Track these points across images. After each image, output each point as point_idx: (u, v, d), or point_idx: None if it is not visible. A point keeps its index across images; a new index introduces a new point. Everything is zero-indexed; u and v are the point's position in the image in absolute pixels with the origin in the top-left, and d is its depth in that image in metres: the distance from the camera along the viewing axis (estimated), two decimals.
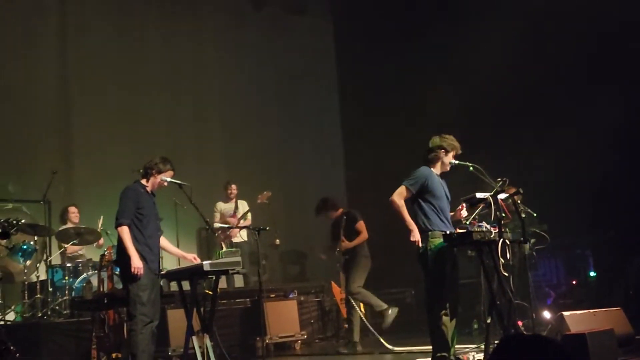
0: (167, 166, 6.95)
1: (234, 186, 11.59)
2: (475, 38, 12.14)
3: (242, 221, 11.03)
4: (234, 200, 11.60)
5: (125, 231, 6.65)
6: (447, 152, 6.93)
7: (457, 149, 6.97)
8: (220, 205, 11.62)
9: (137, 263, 6.57)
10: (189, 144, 13.32)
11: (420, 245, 6.65)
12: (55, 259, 9.93)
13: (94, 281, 8.78)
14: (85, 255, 10.04)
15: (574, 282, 11.68)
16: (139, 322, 6.51)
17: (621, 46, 11.01)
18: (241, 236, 11.23)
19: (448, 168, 7.00)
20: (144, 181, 6.95)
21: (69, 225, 9.95)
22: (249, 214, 11.32)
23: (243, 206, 11.56)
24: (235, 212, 11.45)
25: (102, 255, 8.26)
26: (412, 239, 6.65)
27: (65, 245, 9.72)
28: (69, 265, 9.53)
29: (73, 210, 10.31)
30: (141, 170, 6.98)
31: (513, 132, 11.85)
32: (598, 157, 11.12)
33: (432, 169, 6.95)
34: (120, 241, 6.70)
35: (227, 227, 10.15)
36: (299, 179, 14.64)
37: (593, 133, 10.90)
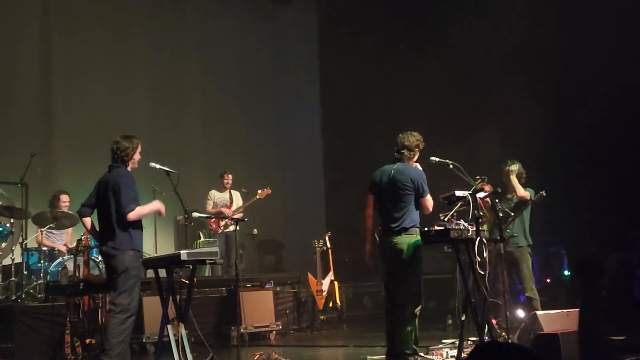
0: (134, 142, 6.76)
1: (229, 176, 11.45)
2: (464, 21, 12.22)
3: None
4: (229, 190, 11.49)
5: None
6: (419, 150, 7.00)
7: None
8: (215, 194, 11.44)
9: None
10: (169, 129, 13.23)
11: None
12: (31, 242, 9.84)
13: (70, 266, 8.75)
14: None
15: (548, 281, 11.77)
16: (126, 312, 6.43)
17: None
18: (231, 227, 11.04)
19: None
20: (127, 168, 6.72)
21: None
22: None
23: (237, 197, 11.45)
24: (230, 203, 11.37)
25: (79, 241, 8.23)
26: None
27: (41, 240, 9.60)
28: (44, 249, 9.45)
29: (65, 199, 9.93)
30: (118, 158, 6.69)
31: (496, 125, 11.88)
32: (574, 157, 11.23)
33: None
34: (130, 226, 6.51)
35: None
36: (278, 167, 14.62)
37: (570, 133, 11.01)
